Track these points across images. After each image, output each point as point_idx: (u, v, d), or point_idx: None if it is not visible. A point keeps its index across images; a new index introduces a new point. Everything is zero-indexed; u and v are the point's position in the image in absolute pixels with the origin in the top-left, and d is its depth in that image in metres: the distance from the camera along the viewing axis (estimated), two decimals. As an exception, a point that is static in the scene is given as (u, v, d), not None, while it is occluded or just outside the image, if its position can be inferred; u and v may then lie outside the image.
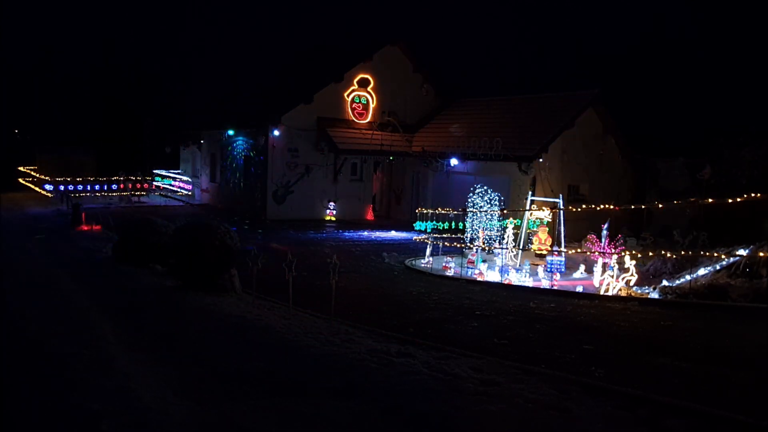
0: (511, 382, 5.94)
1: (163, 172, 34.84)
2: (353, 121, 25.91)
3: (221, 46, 55.41)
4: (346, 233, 22.15)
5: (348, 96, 25.83)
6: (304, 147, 25.01)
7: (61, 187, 29.08)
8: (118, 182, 30.47)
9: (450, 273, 15.29)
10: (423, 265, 16.12)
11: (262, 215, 24.63)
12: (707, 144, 20.92)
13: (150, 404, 4.99)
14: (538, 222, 17.00)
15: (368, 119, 26.16)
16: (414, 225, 19.62)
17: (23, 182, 35.05)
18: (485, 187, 17.35)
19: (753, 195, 12.84)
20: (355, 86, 25.94)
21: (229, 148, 27.88)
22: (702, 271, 13.81)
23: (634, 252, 14.51)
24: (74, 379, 5.52)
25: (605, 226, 15.17)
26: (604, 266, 14.13)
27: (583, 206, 18.76)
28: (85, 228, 17.68)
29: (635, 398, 5.61)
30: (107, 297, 9.74)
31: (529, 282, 14.58)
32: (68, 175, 30.91)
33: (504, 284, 14.28)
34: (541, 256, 16.44)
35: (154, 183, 33.50)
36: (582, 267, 15.70)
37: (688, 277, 13.40)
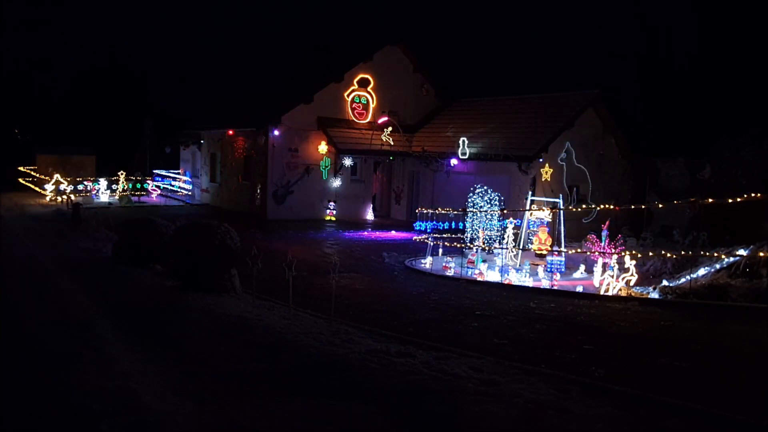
0: (511, 382, 5.94)
1: (163, 172, 34.83)
2: (353, 121, 25.91)
3: (221, 46, 55.45)
4: (346, 233, 22.15)
5: (348, 96, 25.82)
6: (304, 147, 25.01)
7: (62, 187, 29.06)
8: (118, 182, 30.44)
9: (450, 273, 15.29)
10: (423, 265, 16.12)
11: (262, 215, 24.62)
12: (707, 144, 20.93)
13: (150, 404, 4.99)
14: (537, 222, 17.00)
15: (368, 119, 26.17)
16: (414, 225, 19.62)
17: (23, 182, 35.04)
18: (485, 187, 17.35)
19: (753, 195, 12.85)
20: (355, 86, 25.93)
21: (229, 148, 27.88)
22: (702, 271, 13.81)
23: (634, 252, 14.51)
24: (74, 379, 5.52)
25: (605, 226, 15.18)
26: (604, 266, 14.14)
27: (583, 206, 18.78)
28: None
29: (635, 398, 5.61)
30: (107, 297, 9.74)
31: (529, 282, 14.58)
32: (68, 175, 30.89)
33: (504, 284, 14.28)
34: (541, 256, 16.43)
35: (154, 183, 33.50)
36: (582, 267, 15.71)
37: (688, 277, 13.41)
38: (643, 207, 17.99)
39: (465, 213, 17.73)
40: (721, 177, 19.45)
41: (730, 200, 12.97)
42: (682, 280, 13.70)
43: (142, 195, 30.92)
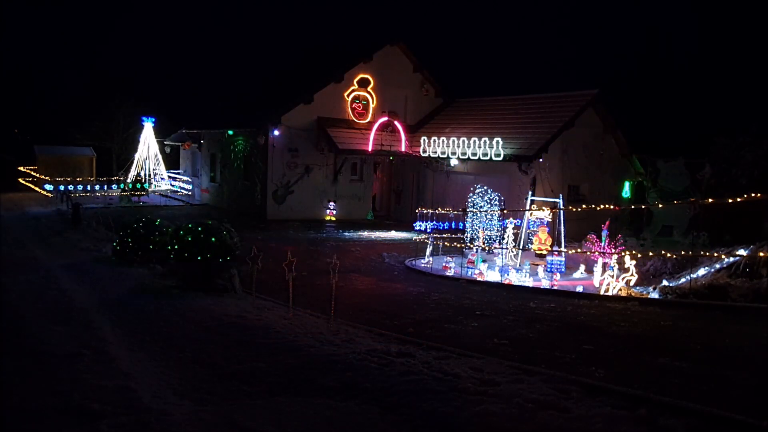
0: (511, 382, 5.94)
1: (164, 172, 34.81)
2: (353, 121, 25.91)
3: (222, 46, 55.47)
4: (346, 233, 22.15)
5: (348, 96, 25.82)
6: (304, 147, 25.02)
7: (61, 187, 29.07)
8: (118, 182, 30.44)
9: (450, 273, 15.29)
10: (423, 265, 16.12)
11: (262, 215, 24.62)
12: (707, 144, 20.91)
13: (150, 404, 5.00)
14: (537, 222, 16.99)
15: (368, 119, 26.16)
16: (414, 225, 19.62)
17: (23, 182, 35.05)
18: (485, 187, 17.34)
19: (753, 195, 12.84)
20: (355, 86, 25.93)
21: (229, 148, 27.87)
22: (702, 271, 13.81)
23: (634, 252, 14.51)
24: (74, 379, 5.53)
25: (605, 226, 15.17)
26: (604, 266, 14.13)
27: (583, 206, 18.77)
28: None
29: (635, 398, 5.60)
30: (107, 297, 9.75)
31: (529, 282, 14.58)
32: (68, 175, 30.89)
33: (504, 284, 14.28)
34: (541, 256, 16.44)
35: (154, 183, 33.49)
36: (582, 267, 15.70)
37: (688, 277, 13.41)
38: (643, 207, 17.97)
39: (465, 213, 17.73)
40: (721, 177, 19.43)
41: (730, 200, 12.97)
42: (682, 280, 13.70)
43: (142, 195, 30.92)
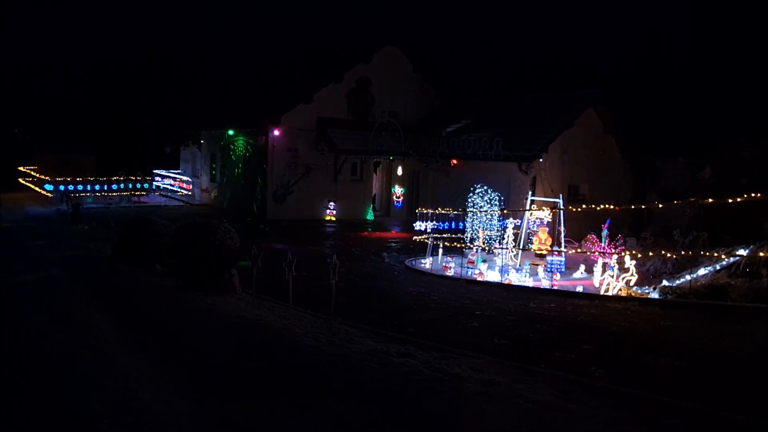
0: (511, 382, 5.94)
1: (163, 172, 34.83)
2: (353, 121, 25.89)
3: (221, 46, 55.46)
4: (346, 233, 22.15)
5: (348, 96, 25.81)
6: (304, 147, 25.02)
7: (61, 187, 29.06)
8: (118, 182, 30.43)
9: (450, 273, 15.29)
10: (423, 265, 16.11)
11: (262, 215, 24.62)
12: (707, 144, 20.90)
13: (150, 404, 4.99)
14: (537, 222, 16.99)
15: (368, 119, 26.14)
16: (414, 225, 19.62)
17: (23, 182, 35.04)
18: (485, 187, 17.34)
19: (753, 195, 12.84)
20: (355, 86, 25.92)
21: (229, 148, 27.87)
22: (702, 271, 13.80)
23: (634, 252, 14.50)
24: (74, 379, 5.53)
25: (605, 226, 15.16)
26: (604, 266, 14.13)
27: (583, 206, 18.76)
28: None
29: (635, 398, 5.61)
30: (107, 297, 9.75)
31: (529, 282, 14.58)
32: (68, 175, 30.88)
33: (504, 284, 14.27)
34: (541, 256, 16.43)
35: (154, 183, 33.49)
36: (582, 267, 15.70)
37: (688, 277, 13.40)
38: (643, 207, 17.95)
39: (465, 213, 17.73)
40: (721, 177, 19.43)
41: (730, 200, 12.97)
42: (682, 280, 13.69)
43: (142, 195, 30.90)
